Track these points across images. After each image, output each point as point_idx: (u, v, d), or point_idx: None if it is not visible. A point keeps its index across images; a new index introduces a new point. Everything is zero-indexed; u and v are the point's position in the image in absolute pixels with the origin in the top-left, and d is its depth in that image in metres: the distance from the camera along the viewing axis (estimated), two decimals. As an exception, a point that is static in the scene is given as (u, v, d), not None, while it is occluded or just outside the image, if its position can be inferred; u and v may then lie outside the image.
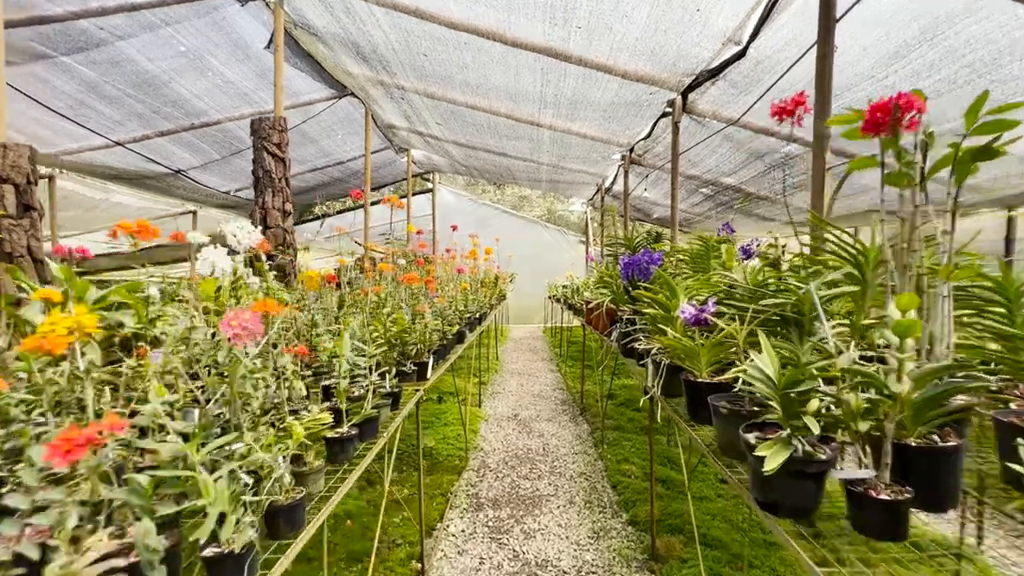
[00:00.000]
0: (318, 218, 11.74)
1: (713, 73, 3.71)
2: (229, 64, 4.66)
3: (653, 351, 1.82)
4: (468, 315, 3.48)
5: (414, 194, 10.06)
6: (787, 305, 1.21)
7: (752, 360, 1.04)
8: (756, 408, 1.19)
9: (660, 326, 1.75)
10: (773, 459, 0.83)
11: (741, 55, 3.30)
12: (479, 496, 2.85)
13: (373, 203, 10.76)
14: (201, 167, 5.84)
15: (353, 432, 1.11)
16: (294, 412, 1.18)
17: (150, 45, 4.06)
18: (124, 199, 6.70)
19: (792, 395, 0.90)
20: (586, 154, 6.74)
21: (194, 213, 8.57)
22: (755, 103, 3.84)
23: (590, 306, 2.81)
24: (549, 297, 8.75)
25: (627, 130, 5.41)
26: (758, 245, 2.43)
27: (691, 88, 4.10)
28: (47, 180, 5.79)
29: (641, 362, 1.87)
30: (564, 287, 6.85)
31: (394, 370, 1.52)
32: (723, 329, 1.44)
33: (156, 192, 6.51)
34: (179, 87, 4.83)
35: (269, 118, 3.93)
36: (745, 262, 2.34)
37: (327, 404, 1.29)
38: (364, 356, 1.28)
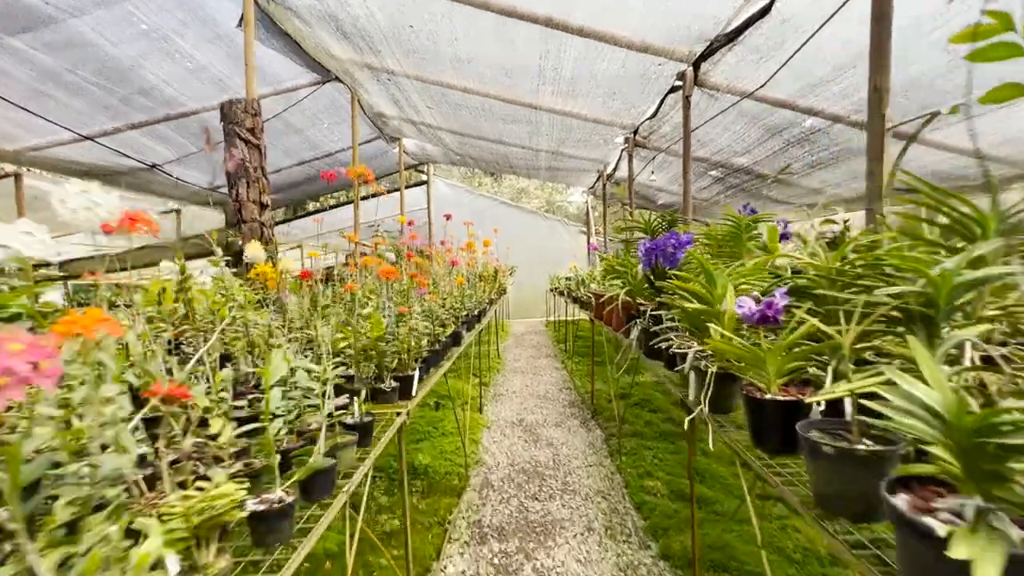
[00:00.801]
0: (311, 214, 11.39)
1: (730, 38, 3.34)
2: (199, 46, 4.28)
3: (691, 355, 1.47)
4: (465, 313, 3.13)
5: (408, 187, 9.67)
6: (910, 295, 0.86)
7: (891, 379, 0.69)
8: (871, 443, 0.83)
9: (704, 323, 1.40)
10: (986, 563, 0.48)
11: (765, 12, 2.93)
12: (482, 524, 2.49)
13: (364, 197, 10.39)
14: (177, 161, 5.47)
15: (289, 499, 0.75)
16: (216, 460, 0.83)
17: (107, 23, 3.68)
18: (101, 198, 6.31)
19: (990, 445, 0.54)
20: (587, 137, 6.37)
21: (178, 211, 8.19)
22: (778, 70, 3.47)
23: (601, 300, 2.46)
24: (551, 290, 8.39)
25: (631, 109, 5.04)
26: (785, 226, 2.10)
27: (704, 57, 3.73)
28: (13, 179, 5.41)
29: (676, 368, 1.52)
30: (567, 279, 6.49)
31: (364, 391, 1.17)
32: (795, 328, 1.09)
33: (134, 190, 6.14)
34: (146, 73, 4.45)
35: (240, 101, 3.55)
36: (783, 244, 1.99)
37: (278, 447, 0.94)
38: (321, 379, 0.93)
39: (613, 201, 9.34)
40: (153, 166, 5.45)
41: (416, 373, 1.58)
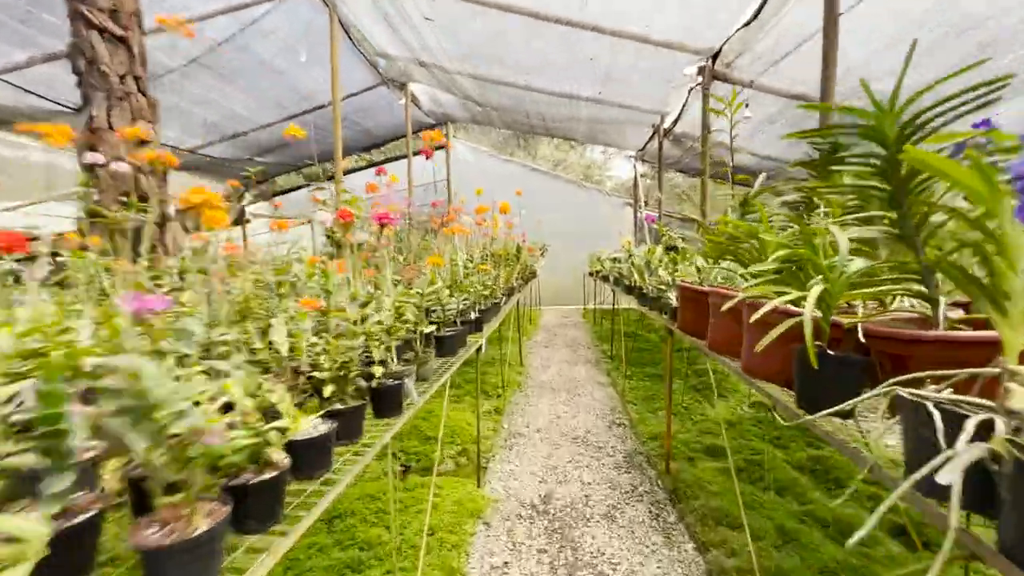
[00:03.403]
0: (302, 187, 9.94)
1: None
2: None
3: None
4: (451, 316, 1.72)
5: (417, 153, 8.26)
6: None
7: None
8: None
9: None
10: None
11: None
12: None
13: (370, 165, 9.04)
14: (106, 103, 4.22)
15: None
16: None
17: None
18: (50, 157, 5.20)
19: None
20: (643, 75, 4.77)
21: (154, 178, 7.07)
22: None
23: (738, 307, 0.98)
24: (591, 274, 6.87)
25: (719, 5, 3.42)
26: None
27: None
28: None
29: None
30: (614, 261, 4.97)
31: None
32: None
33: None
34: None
35: (90, -37, 2.19)
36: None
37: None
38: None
39: (667, 167, 7.66)
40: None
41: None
